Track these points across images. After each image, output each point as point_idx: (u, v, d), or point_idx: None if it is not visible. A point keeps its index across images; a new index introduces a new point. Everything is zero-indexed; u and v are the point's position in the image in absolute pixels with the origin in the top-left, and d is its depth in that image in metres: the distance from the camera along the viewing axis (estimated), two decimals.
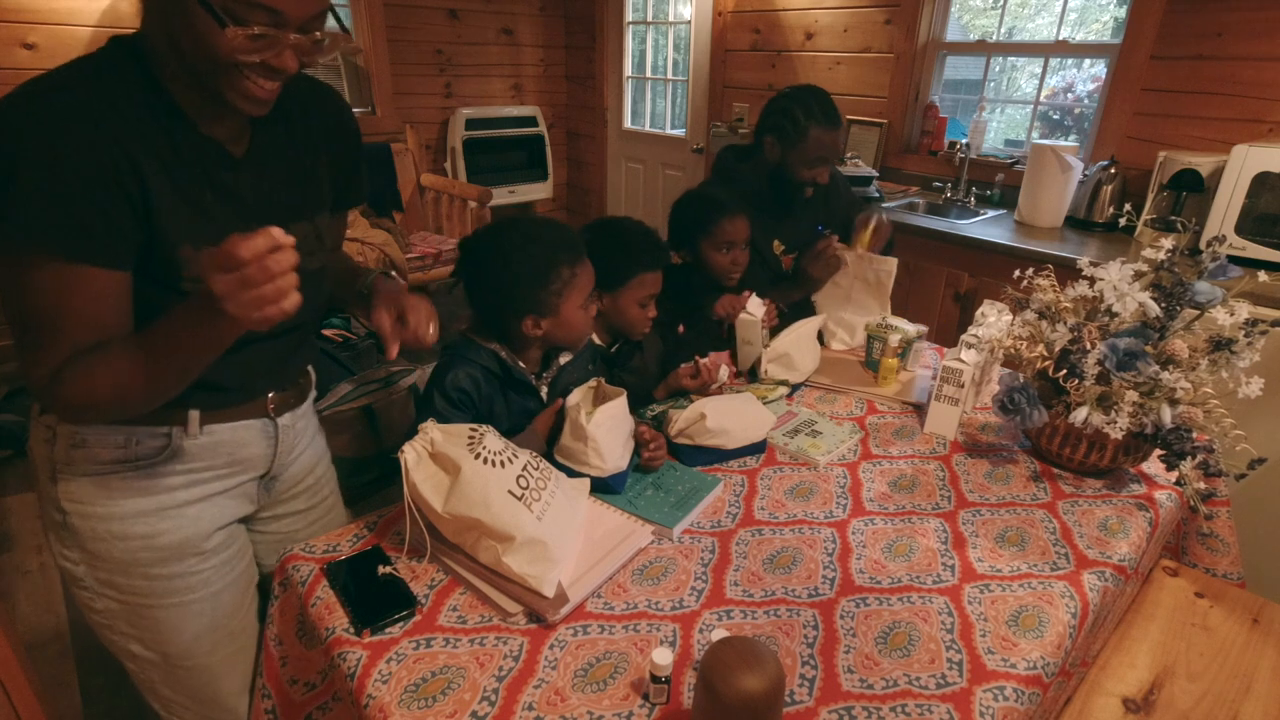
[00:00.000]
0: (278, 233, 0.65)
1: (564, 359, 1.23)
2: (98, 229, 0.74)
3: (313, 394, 1.11)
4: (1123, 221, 1.40)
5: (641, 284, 1.33)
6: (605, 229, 1.39)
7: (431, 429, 0.96)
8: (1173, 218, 2.16)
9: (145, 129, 0.76)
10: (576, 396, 1.14)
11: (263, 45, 0.73)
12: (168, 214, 0.78)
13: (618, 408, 1.13)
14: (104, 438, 0.88)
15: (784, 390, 1.47)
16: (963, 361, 1.29)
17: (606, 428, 1.09)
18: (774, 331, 1.56)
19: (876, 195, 2.81)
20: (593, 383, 1.17)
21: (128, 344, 0.76)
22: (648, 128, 4.31)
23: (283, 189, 0.91)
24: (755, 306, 1.54)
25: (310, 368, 1.10)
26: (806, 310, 1.77)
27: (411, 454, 0.93)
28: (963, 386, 1.30)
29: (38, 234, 0.71)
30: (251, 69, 0.75)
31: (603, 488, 1.11)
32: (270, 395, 0.99)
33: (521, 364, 1.17)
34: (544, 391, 1.22)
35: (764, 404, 1.32)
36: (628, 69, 4.24)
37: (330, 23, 0.79)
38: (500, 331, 1.17)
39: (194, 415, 0.91)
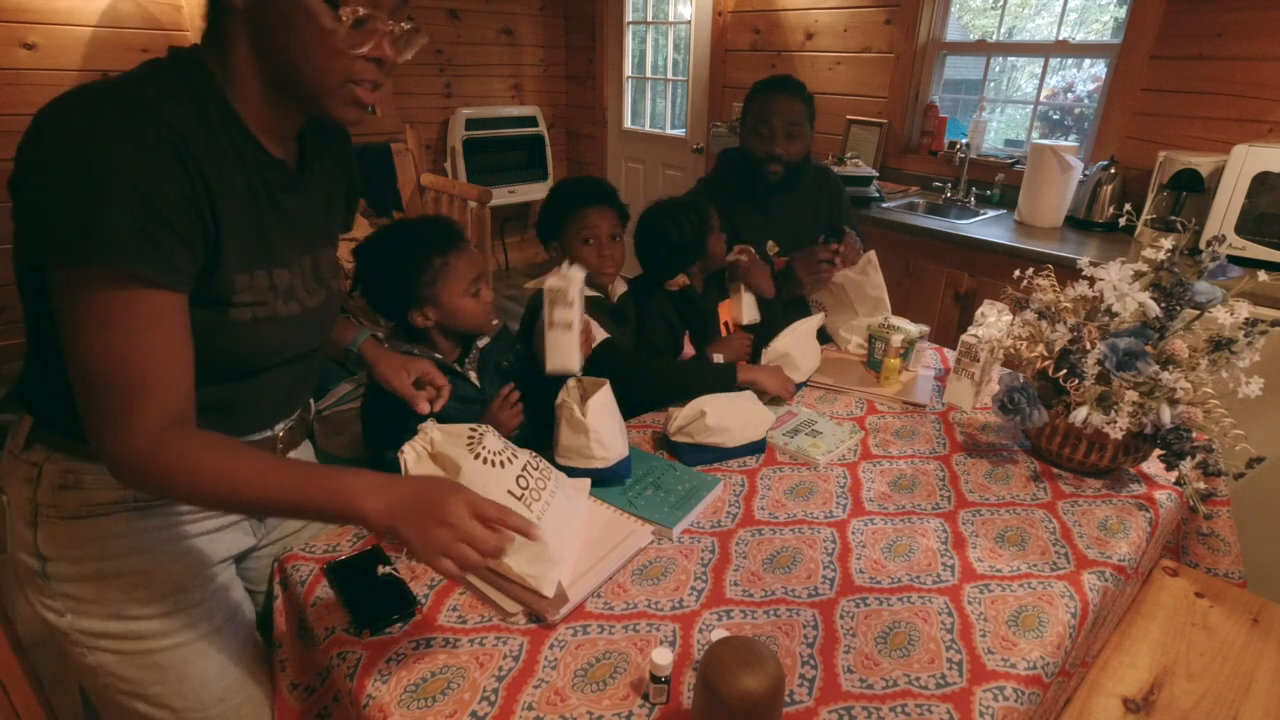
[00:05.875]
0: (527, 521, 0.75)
1: (481, 343, 1.30)
2: (179, 255, 0.69)
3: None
4: (1123, 221, 1.40)
5: (581, 221, 1.42)
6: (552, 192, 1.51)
7: (431, 429, 0.96)
8: (1173, 218, 2.16)
9: (220, 149, 0.73)
10: (562, 395, 1.14)
11: (369, 32, 0.72)
12: (233, 239, 0.75)
13: (605, 395, 1.14)
14: (104, 478, 0.82)
15: None
16: (976, 337, 1.40)
17: (602, 417, 1.10)
18: (773, 332, 1.56)
19: (876, 195, 2.81)
20: (571, 381, 1.16)
21: (254, 458, 0.73)
22: (648, 128, 4.31)
23: (322, 213, 0.91)
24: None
25: (311, 399, 1.06)
26: (805, 310, 1.77)
27: (411, 454, 0.94)
28: (978, 360, 1.39)
29: (129, 258, 0.65)
30: (359, 70, 0.74)
31: (610, 479, 1.11)
32: (279, 429, 0.94)
33: (439, 355, 1.24)
34: (472, 376, 1.28)
35: (764, 403, 1.32)
36: (628, 69, 4.24)
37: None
38: (409, 331, 1.24)
39: None
